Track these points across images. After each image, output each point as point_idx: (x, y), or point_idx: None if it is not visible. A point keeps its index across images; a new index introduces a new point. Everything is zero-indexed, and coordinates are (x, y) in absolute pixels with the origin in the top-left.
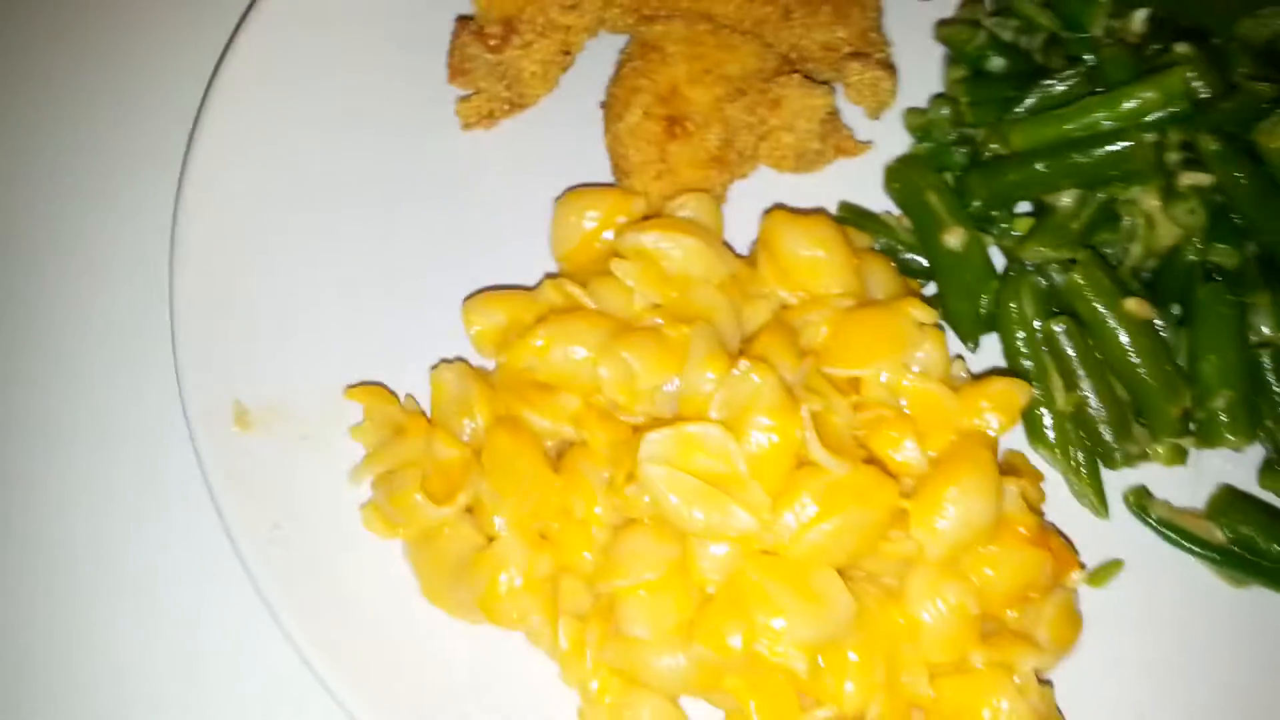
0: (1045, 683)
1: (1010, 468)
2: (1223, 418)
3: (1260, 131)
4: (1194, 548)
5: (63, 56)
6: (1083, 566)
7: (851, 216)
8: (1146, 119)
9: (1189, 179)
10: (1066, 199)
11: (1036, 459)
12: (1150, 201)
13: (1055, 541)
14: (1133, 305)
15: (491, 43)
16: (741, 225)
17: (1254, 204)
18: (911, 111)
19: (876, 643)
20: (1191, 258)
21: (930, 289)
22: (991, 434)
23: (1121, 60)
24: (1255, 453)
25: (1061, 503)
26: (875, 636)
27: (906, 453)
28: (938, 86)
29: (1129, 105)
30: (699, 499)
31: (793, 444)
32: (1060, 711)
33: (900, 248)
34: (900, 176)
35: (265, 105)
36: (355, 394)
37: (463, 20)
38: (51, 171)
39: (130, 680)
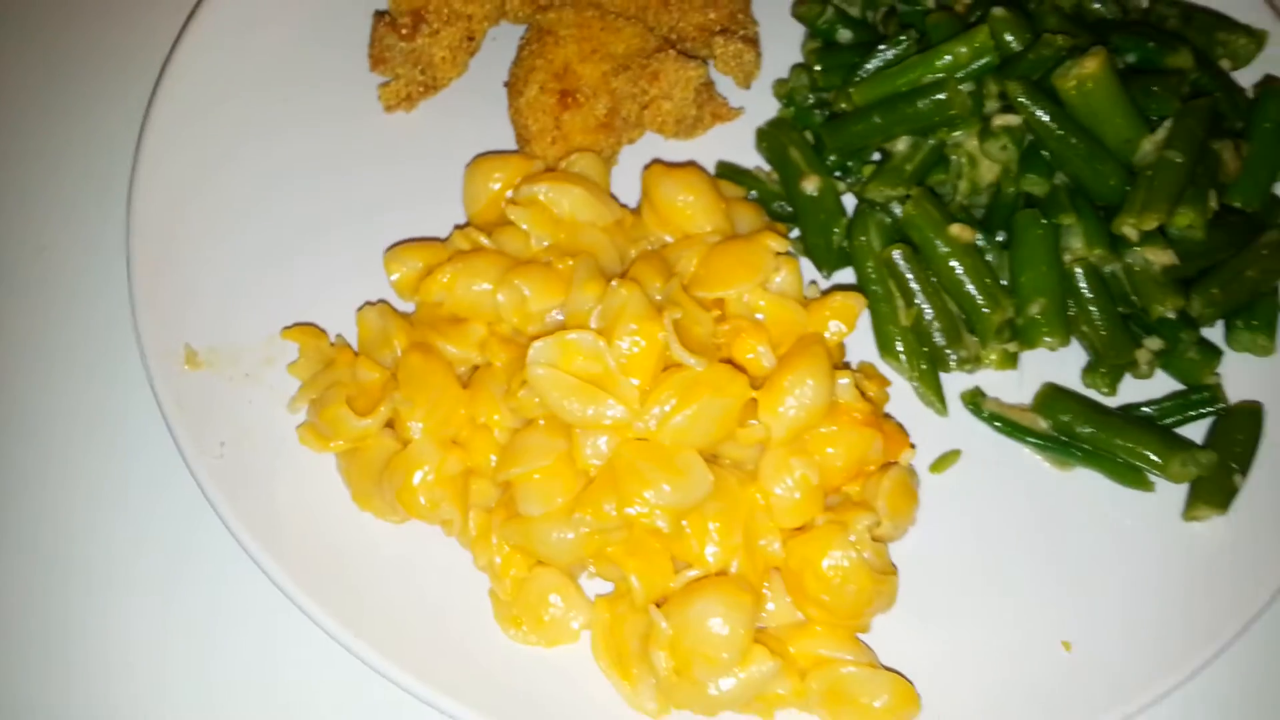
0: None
1: (862, 375)
2: (1039, 321)
3: (1057, 76)
4: (1022, 437)
5: (17, 26)
6: (913, 446)
7: (728, 173)
8: (961, 71)
9: (1000, 120)
10: (901, 145)
11: (886, 369)
12: (970, 142)
13: (888, 426)
14: (957, 230)
15: (403, 31)
16: (633, 186)
17: (1056, 139)
18: (777, 81)
19: (735, 513)
20: (1010, 190)
21: (796, 233)
22: (830, 337)
23: (943, 24)
24: (1081, 357)
25: (909, 406)
26: (734, 508)
27: (760, 355)
28: (799, 58)
29: (944, 60)
30: (578, 394)
31: (657, 346)
32: (894, 565)
33: (770, 198)
34: (768, 137)
35: (212, 94)
36: (290, 334)
37: (379, 14)
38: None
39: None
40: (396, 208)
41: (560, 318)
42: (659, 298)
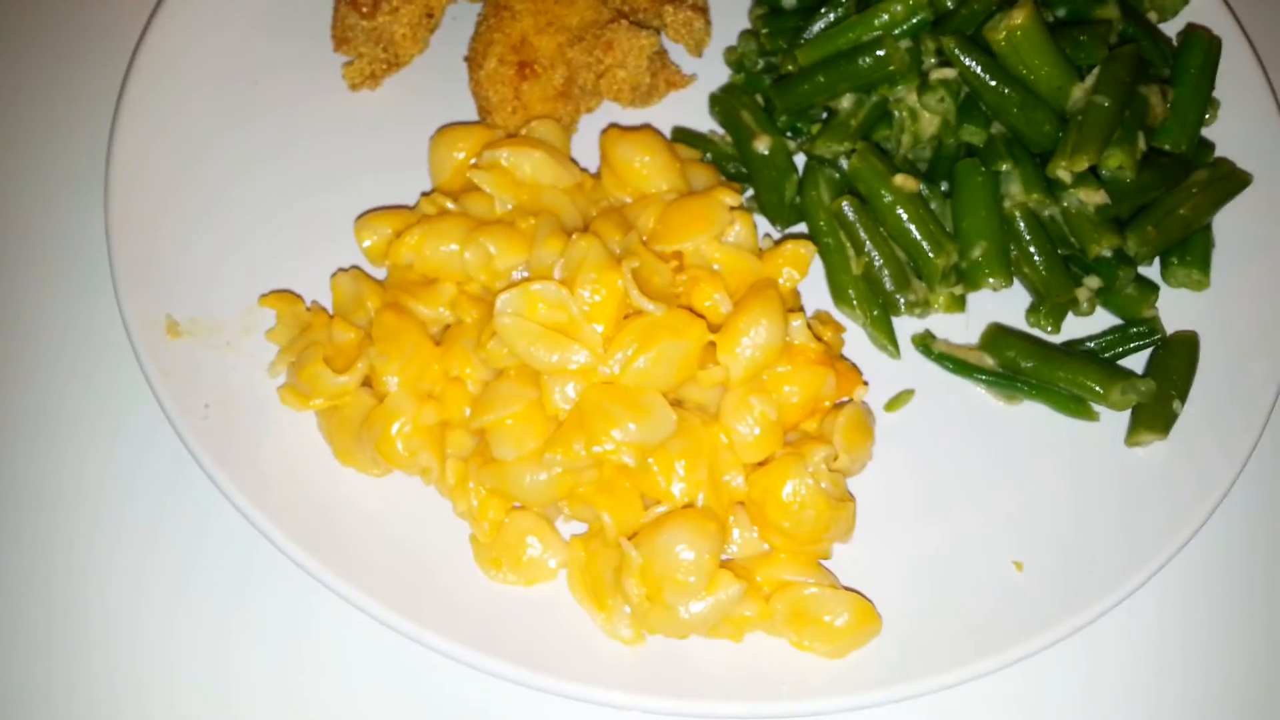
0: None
1: (818, 321)
2: (981, 263)
3: (988, 29)
4: (971, 374)
5: None
6: (866, 384)
7: (683, 137)
8: (898, 29)
9: (937, 74)
10: (845, 102)
11: (840, 316)
12: (910, 97)
13: (841, 365)
14: (901, 181)
15: (364, 10)
16: (593, 154)
17: (990, 90)
18: (728, 49)
19: (699, 450)
20: (950, 140)
21: (750, 193)
22: (784, 283)
23: None
24: (1024, 298)
25: (864, 350)
26: (698, 445)
27: (718, 302)
28: (747, 25)
29: (882, 19)
30: (545, 341)
31: (617, 294)
32: (852, 495)
33: (724, 160)
34: (720, 101)
35: (184, 76)
36: (268, 301)
37: None
38: None
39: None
40: (365, 180)
41: (525, 274)
42: (619, 250)
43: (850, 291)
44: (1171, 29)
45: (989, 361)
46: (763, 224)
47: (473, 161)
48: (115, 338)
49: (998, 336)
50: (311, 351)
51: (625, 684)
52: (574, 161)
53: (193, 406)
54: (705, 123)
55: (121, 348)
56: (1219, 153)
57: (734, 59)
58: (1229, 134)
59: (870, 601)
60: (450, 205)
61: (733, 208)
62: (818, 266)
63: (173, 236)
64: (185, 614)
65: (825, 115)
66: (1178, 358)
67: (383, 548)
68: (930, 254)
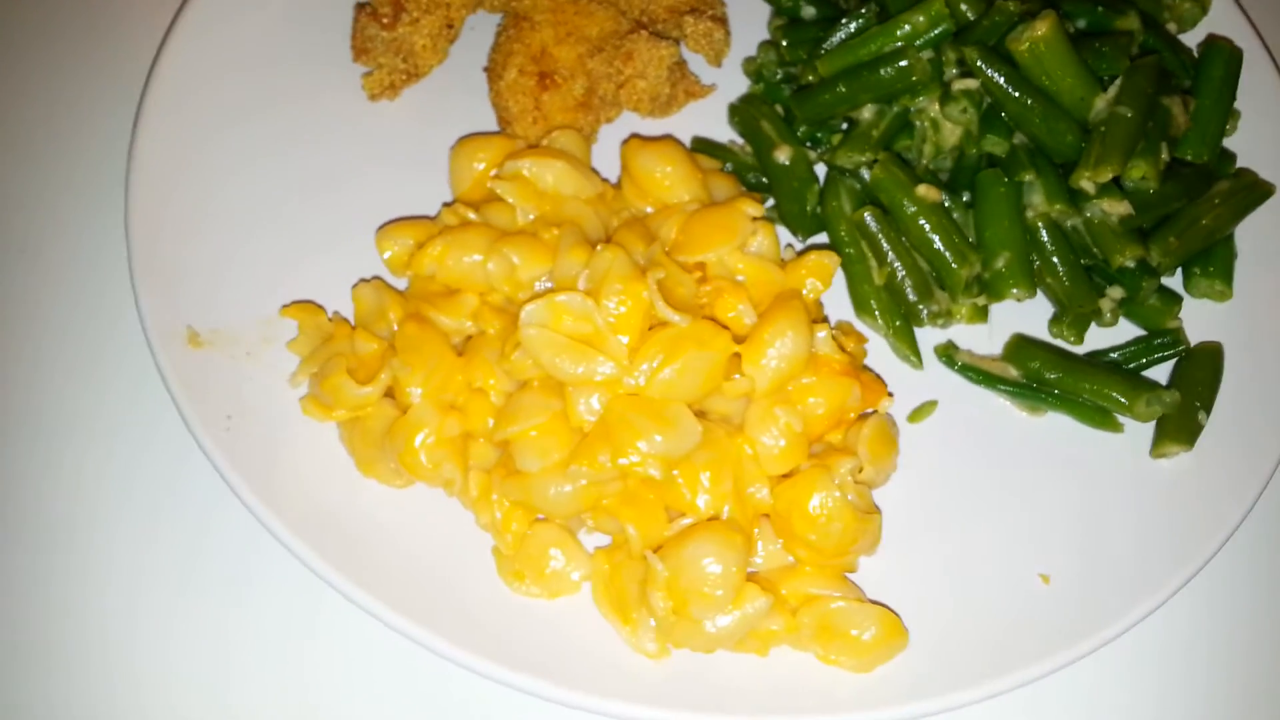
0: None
1: (840, 332)
2: (1004, 273)
3: (1010, 40)
4: (995, 385)
5: (5, 16)
6: (891, 395)
7: (703, 147)
8: (919, 39)
9: (959, 85)
10: (867, 113)
11: (863, 327)
12: (932, 107)
13: (866, 376)
14: (923, 190)
15: (384, 21)
16: (613, 165)
17: (1013, 100)
18: (747, 59)
19: (724, 462)
20: (972, 151)
21: (771, 203)
22: (807, 294)
23: None
24: (1047, 309)
25: (887, 361)
26: (723, 457)
27: (741, 313)
28: (766, 36)
29: (904, 30)
30: (570, 353)
31: (643, 305)
32: (877, 507)
33: (744, 170)
34: (740, 111)
35: (203, 89)
36: (289, 312)
37: (360, 5)
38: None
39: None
40: (386, 191)
41: (549, 285)
42: (642, 261)
43: (872, 302)
44: (1190, 40)
45: (1013, 373)
46: (784, 235)
47: (494, 172)
48: (136, 348)
49: (1021, 347)
50: (334, 362)
51: (650, 698)
52: (595, 171)
53: (215, 418)
54: (725, 133)
55: (142, 357)
56: (1240, 164)
57: (753, 69)
58: (1250, 145)
59: (897, 615)
60: (472, 216)
61: (755, 218)
62: (839, 277)
63: (194, 247)
64: (185, 614)
65: (846, 126)
66: (1202, 369)
67: (405, 559)
68: (953, 264)
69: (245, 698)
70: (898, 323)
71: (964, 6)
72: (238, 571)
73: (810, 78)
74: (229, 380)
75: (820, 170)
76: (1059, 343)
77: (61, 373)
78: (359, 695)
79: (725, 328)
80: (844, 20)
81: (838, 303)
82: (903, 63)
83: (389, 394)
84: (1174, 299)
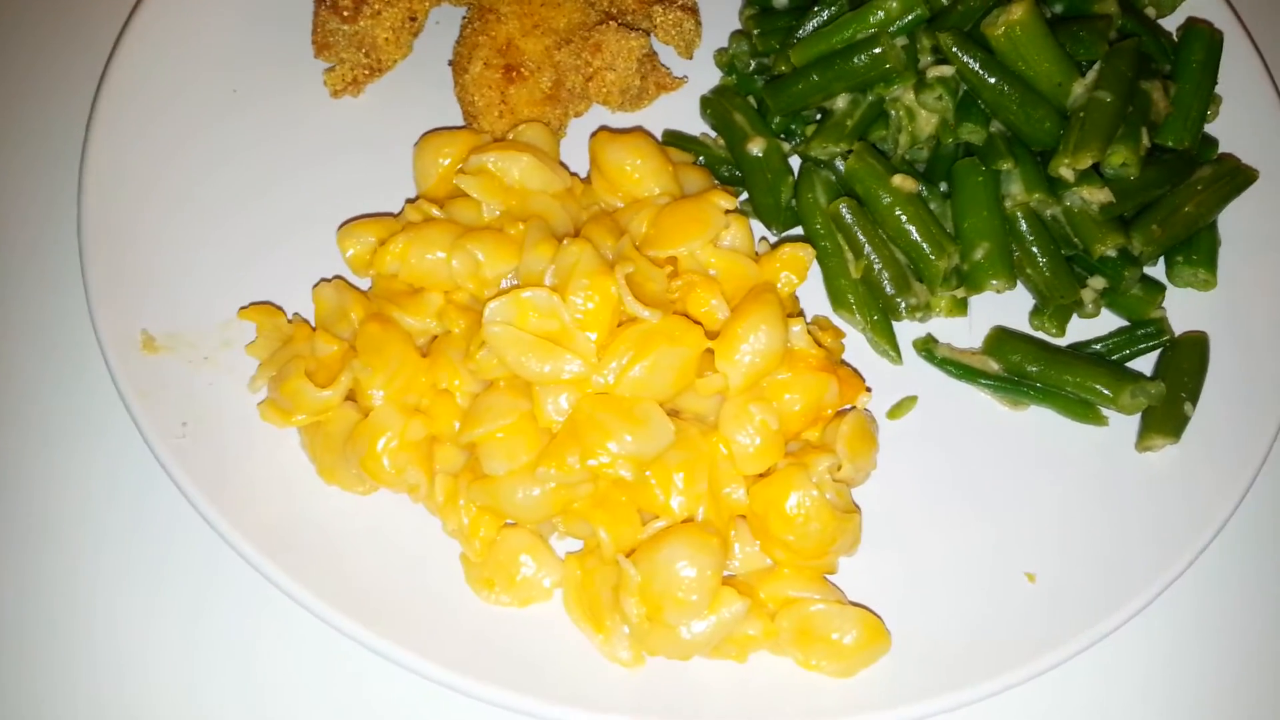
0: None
1: (817, 327)
2: (983, 264)
3: (986, 25)
4: (975, 379)
5: None
6: (869, 391)
7: (675, 140)
8: (893, 26)
9: (935, 72)
10: (841, 102)
11: (840, 322)
12: (907, 96)
13: (843, 371)
14: (899, 181)
15: (345, 14)
16: (583, 160)
17: (989, 87)
18: (718, 51)
19: (698, 462)
20: (949, 140)
21: (744, 197)
22: (782, 287)
23: None
24: (1028, 301)
25: (865, 357)
26: (697, 457)
27: (714, 308)
28: (738, 26)
29: (877, 16)
30: (536, 351)
31: (611, 301)
32: (856, 505)
33: (717, 164)
34: (712, 104)
35: (159, 84)
36: (247, 314)
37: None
38: None
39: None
40: (348, 188)
41: (515, 282)
42: (611, 256)
43: (849, 296)
44: (1169, 25)
45: (993, 366)
46: (758, 228)
47: (459, 167)
48: (89, 352)
49: (1002, 340)
50: (293, 365)
51: (625, 709)
52: (564, 166)
53: (170, 425)
54: (696, 126)
55: (95, 363)
56: (1222, 149)
57: (725, 60)
58: (1232, 130)
59: (879, 617)
60: (436, 212)
61: (728, 211)
62: (814, 271)
63: (149, 249)
64: (145, 628)
65: (820, 116)
66: (1187, 359)
67: (369, 569)
68: (931, 256)
69: (209, 712)
70: (875, 317)
71: None
72: (201, 581)
73: (783, 68)
74: (185, 386)
75: (794, 162)
76: (1040, 335)
77: (12, 379)
78: (324, 707)
79: (697, 323)
80: (816, 8)
81: (814, 297)
82: (876, 50)
83: (351, 397)
84: (1157, 288)
